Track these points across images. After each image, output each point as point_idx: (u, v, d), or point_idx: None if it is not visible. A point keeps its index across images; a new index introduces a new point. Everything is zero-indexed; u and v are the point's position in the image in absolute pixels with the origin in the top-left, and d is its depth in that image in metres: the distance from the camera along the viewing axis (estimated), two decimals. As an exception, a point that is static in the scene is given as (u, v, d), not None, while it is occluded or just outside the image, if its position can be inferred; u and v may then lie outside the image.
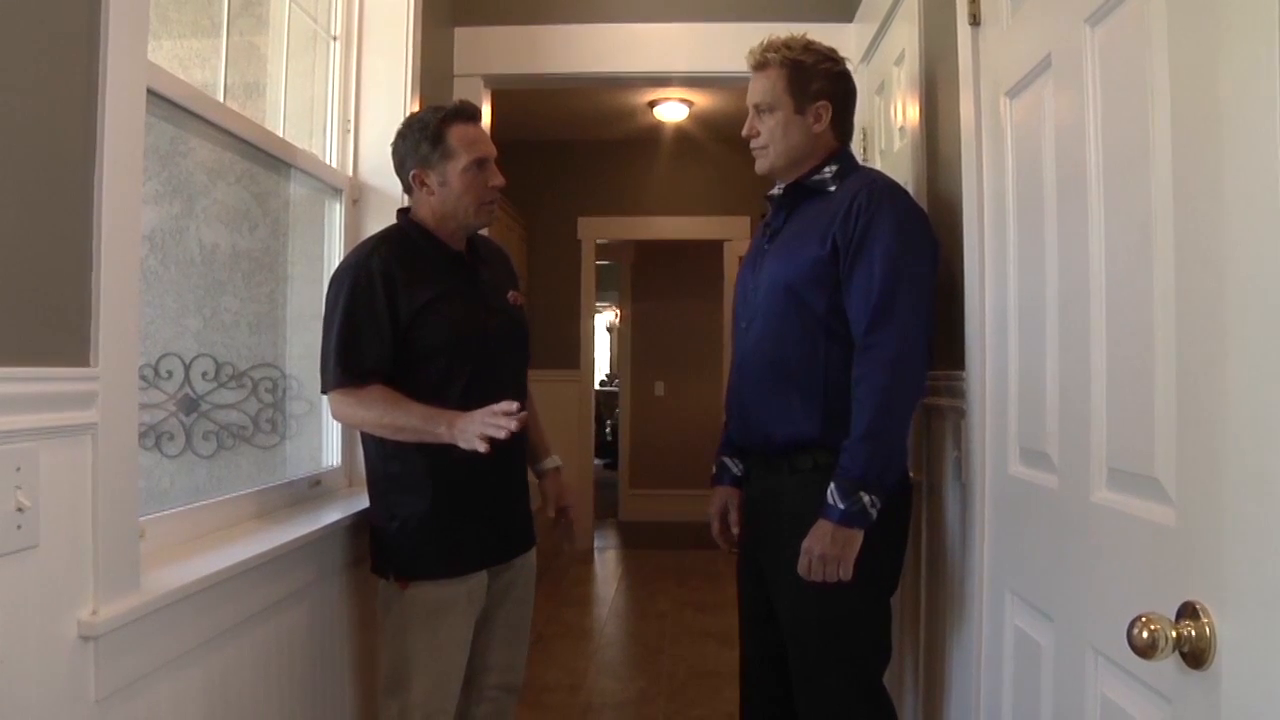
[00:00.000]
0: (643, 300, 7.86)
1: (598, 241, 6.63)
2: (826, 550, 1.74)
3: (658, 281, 7.75)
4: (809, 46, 1.95)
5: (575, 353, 6.29)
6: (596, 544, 6.66)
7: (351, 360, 1.88)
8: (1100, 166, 1.26)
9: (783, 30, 2.03)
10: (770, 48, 1.95)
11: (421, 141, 1.96)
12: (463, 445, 1.78)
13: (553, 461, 2.25)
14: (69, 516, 1.19)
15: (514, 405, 1.77)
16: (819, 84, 1.94)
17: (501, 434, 1.74)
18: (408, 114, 2.51)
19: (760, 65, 1.96)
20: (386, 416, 1.87)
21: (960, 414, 1.86)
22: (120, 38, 1.26)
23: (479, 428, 1.75)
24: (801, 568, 1.77)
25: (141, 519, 1.54)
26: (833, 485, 1.76)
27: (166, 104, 1.68)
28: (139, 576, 1.33)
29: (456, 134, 1.95)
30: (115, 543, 1.27)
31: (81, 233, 1.21)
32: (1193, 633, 0.94)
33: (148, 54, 1.65)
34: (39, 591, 1.14)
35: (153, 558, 1.51)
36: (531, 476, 2.19)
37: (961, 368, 1.85)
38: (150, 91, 1.56)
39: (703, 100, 5.32)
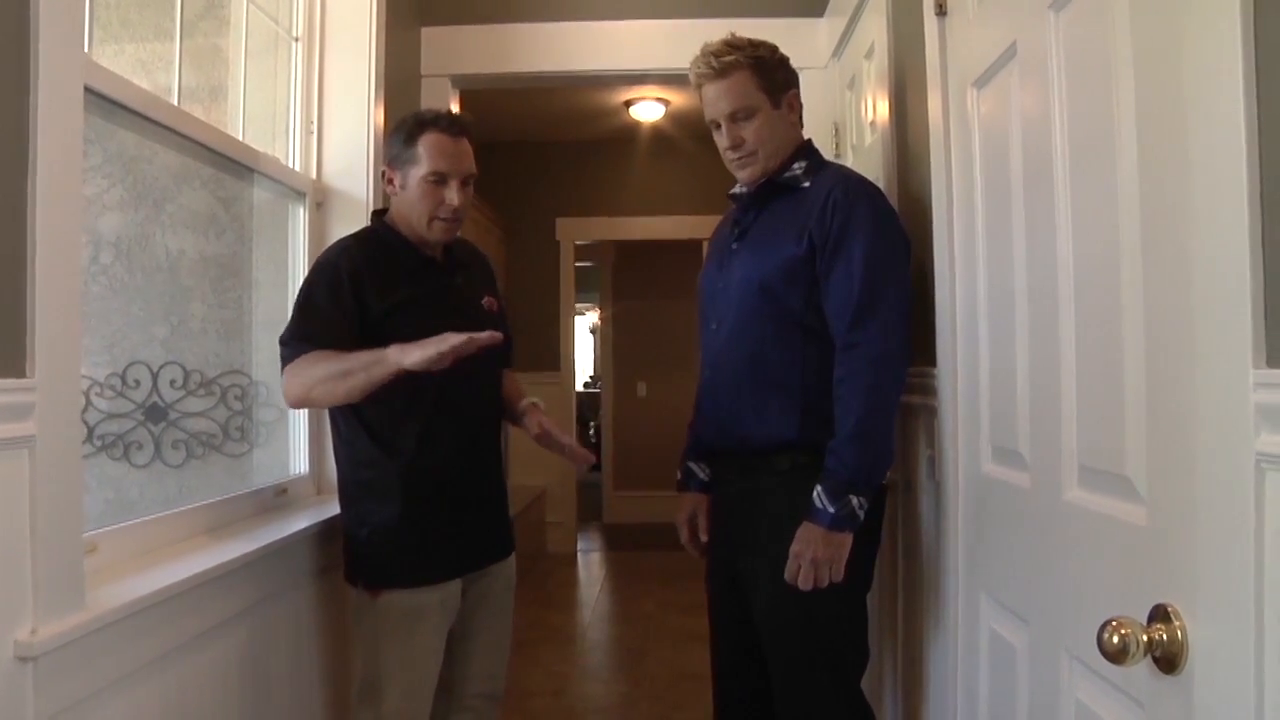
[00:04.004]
0: (623, 301, 7.82)
1: (576, 242, 6.59)
2: (818, 555, 1.71)
3: (638, 282, 7.70)
4: (754, 42, 1.90)
5: (556, 355, 6.25)
6: (580, 546, 6.62)
7: (303, 337, 1.81)
8: (1066, 157, 1.23)
9: (741, 26, 2.00)
10: (727, 52, 1.87)
11: (398, 138, 1.93)
12: (413, 367, 1.68)
13: (528, 401, 2.12)
14: (4, 533, 1.14)
15: (462, 337, 1.68)
16: (782, 74, 1.91)
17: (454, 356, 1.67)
18: (371, 115, 2.49)
19: (722, 72, 1.87)
20: (334, 366, 1.75)
21: (933, 411, 1.83)
22: (53, 33, 1.21)
23: (436, 357, 1.67)
24: (790, 573, 1.74)
25: (98, 532, 1.51)
26: (820, 488, 1.72)
27: (119, 108, 1.64)
28: (84, 593, 1.29)
29: (428, 141, 1.89)
30: (56, 559, 1.22)
31: (13, 237, 1.17)
32: (1164, 636, 0.91)
33: (95, 54, 1.62)
34: (-29, 612, 1.10)
35: (105, 572, 1.47)
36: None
37: (933, 364, 1.82)
38: (96, 93, 1.52)
39: (678, 99, 5.28)
